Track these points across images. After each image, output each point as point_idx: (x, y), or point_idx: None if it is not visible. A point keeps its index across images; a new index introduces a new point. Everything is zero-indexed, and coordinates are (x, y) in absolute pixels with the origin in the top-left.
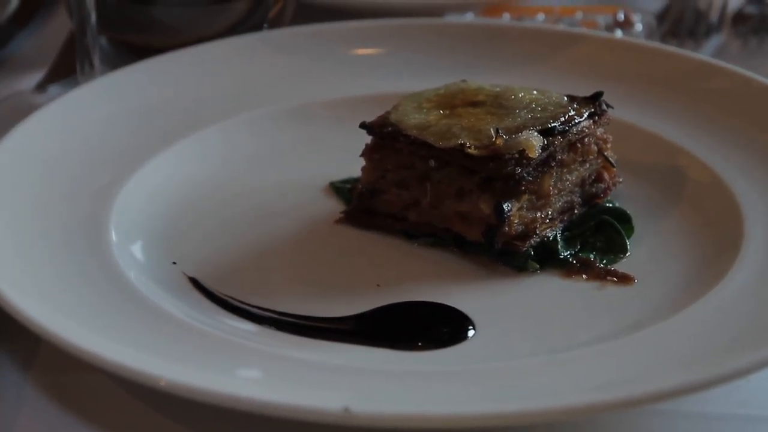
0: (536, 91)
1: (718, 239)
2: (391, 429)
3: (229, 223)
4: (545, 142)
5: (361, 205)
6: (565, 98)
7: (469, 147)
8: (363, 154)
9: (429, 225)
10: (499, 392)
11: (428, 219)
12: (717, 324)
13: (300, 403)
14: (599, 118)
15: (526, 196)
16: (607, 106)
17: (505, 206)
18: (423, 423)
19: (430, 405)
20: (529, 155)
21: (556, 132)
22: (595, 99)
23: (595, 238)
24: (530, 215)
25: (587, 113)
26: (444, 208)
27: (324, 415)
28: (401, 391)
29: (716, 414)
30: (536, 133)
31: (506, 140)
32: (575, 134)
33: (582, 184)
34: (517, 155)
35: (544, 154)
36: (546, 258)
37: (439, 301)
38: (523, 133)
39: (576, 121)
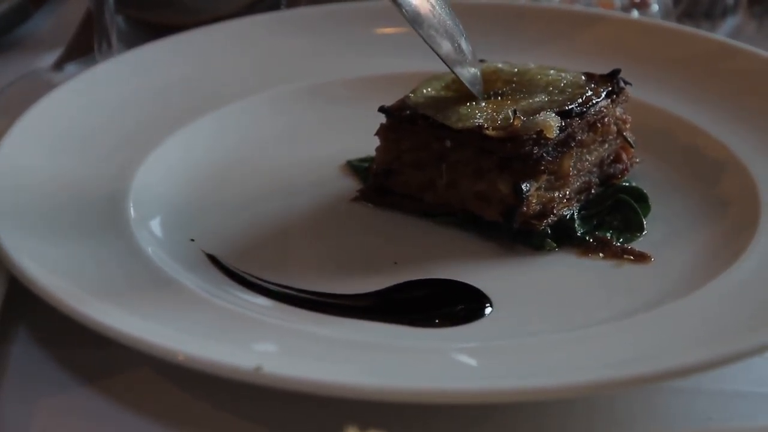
0: (553, 71)
1: (735, 218)
2: (409, 403)
3: (247, 201)
4: (563, 123)
5: (377, 184)
6: (583, 77)
7: (487, 128)
8: (378, 134)
9: (446, 205)
10: (517, 368)
11: (445, 200)
12: (734, 301)
13: (318, 378)
14: (617, 96)
15: (544, 176)
16: (625, 83)
17: (523, 186)
18: (440, 398)
19: (447, 380)
20: (547, 135)
21: (574, 114)
22: (612, 77)
23: (612, 217)
24: (548, 195)
25: (605, 92)
26: (461, 189)
27: (342, 389)
28: (418, 366)
29: (732, 391)
30: (554, 114)
31: (524, 121)
32: (593, 114)
33: (600, 164)
34: (534, 136)
35: (563, 135)
36: (563, 237)
37: (456, 279)
38: (541, 114)
39: (594, 101)
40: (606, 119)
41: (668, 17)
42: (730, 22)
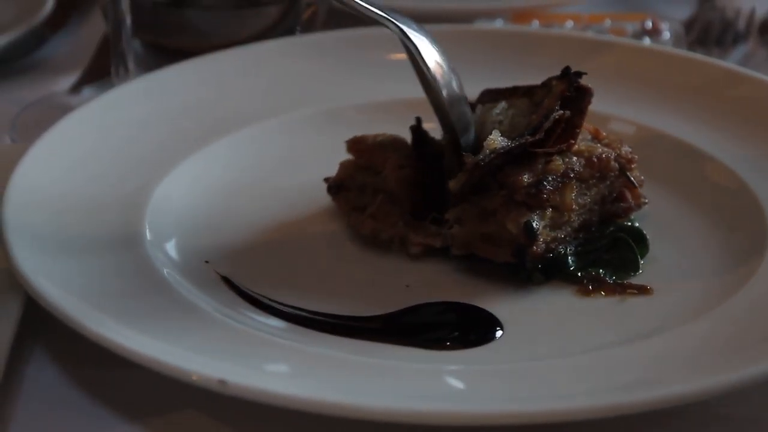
0: (504, 104)
1: (743, 244)
2: (420, 424)
3: (261, 224)
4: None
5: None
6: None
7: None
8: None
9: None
10: (527, 391)
11: (376, 233)
12: (741, 327)
13: (329, 399)
14: (583, 98)
15: (549, 213)
16: (578, 75)
17: (534, 224)
18: (455, 420)
19: (458, 402)
20: (492, 147)
21: (528, 138)
22: (566, 76)
23: (609, 255)
24: (552, 234)
25: (558, 106)
26: (468, 232)
27: (354, 410)
28: (430, 387)
29: (743, 415)
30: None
31: (475, 158)
32: (557, 123)
33: (602, 201)
34: (491, 156)
35: (512, 144)
36: (553, 271)
37: (467, 303)
38: (484, 144)
39: (552, 116)
40: (605, 155)
41: (679, 45)
42: (741, 50)
